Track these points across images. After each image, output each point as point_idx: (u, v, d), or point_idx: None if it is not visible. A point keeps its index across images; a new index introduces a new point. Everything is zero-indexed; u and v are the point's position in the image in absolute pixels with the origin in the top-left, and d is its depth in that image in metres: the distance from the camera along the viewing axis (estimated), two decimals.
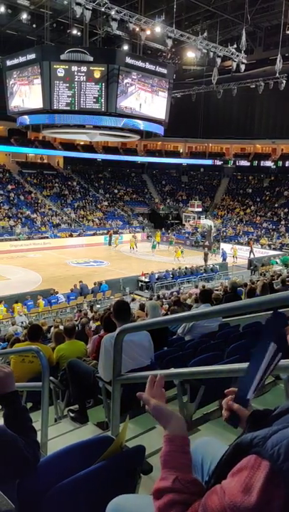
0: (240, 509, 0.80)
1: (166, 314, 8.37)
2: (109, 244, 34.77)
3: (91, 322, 11.57)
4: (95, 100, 22.42)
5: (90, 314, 14.34)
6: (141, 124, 24.85)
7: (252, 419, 1.04)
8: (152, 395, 1.26)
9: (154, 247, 31.99)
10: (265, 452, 0.81)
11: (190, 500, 0.95)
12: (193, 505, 0.94)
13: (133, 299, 17.68)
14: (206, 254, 29.02)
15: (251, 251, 31.46)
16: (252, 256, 30.42)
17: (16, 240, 33.09)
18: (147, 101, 24.20)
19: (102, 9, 19.94)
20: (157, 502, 0.99)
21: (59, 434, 3.43)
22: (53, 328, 11.02)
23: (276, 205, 42.01)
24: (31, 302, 18.19)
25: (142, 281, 22.68)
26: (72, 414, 4.10)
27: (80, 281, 20.21)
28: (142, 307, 12.10)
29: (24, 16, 29.57)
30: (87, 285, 20.20)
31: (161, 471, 1.04)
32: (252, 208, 43.40)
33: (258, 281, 13.54)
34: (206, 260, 28.36)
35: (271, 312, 1.08)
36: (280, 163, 44.89)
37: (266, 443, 0.82)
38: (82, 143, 46.60)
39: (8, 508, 1.68)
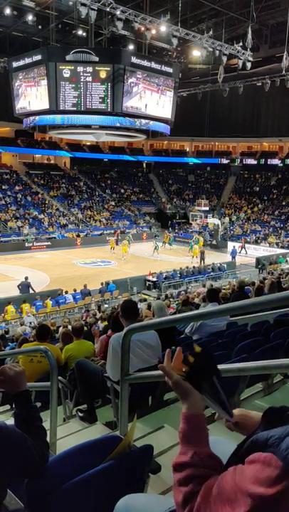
0: (252, 496, 0.84)
1: (174, 314, 8.36)
2: (117, 244, 34.71)
3: (99, 322, 11.58)
4: (101, 100, 22.43)
5: (98, 314, 14.35)
6: (148, 124, 24.85)
7: (268, 416, 1.06)
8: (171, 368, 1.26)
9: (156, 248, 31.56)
10: (279, 453, 0.84)
11: (207, 474, 1.01)
12: (209, 480, 0.98)
13: (145, 300, 17.64)
14: (202, 253, 28.78)
15: (243, 248, 32.44)
16: (243, 252, 32.11)
17: (23, 240, 33.27)
18: (153, 100, 24.16)
19: (107, 9, 19.94)
20: (177, 475, 1.05)
21: (68, 434, 3.44)
22: (61, 328, 11.05)
23: (284, 203, 41.80)
24: (40, 303, 18.26)
25: (149, 280, 22.68)
26: (80, 414, 4.11)
27: (85, 285, 20.18)
28: (150, 307, 12.09)
29: (30, 17, 29.67)
30: (89, 291, 20.13)
31: (180, 446, 1.10)
32: (259, 206, 43.23)
33: (265, 279, 13.48)
34: (202, 259, 28.12)
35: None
36: (287, 161, 44.64)
37: (281, 444, 0.85)
38: (88, 143, 46.71)
39: (17, 507, 1.69)
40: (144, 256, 31.22)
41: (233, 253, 29.54)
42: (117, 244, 34.42)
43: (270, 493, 0.81)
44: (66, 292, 19.52)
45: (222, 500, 0.90)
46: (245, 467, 0.89)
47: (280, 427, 0.91)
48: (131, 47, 31.95)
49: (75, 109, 22.54)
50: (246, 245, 33.68)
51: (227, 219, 41.95)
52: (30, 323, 15.60)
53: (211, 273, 24.93)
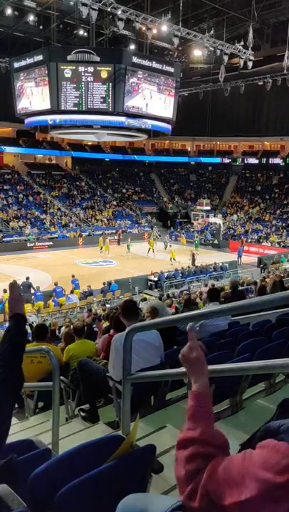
0: (260, 481, 0.85)
1: (175, 313, 8.36)
2: (118, 244, 34.70)
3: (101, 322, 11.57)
4: (102, 100, 22.46)
5: (101, 314, 14.36)
6: (150, 123, 24.87)
7: (282, 407, 1.09)
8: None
9: (128, 247, 31.38)
10: (288, 438, 0.88)
11: (213, 452, 1.02)
12: (215, 459, 0.98)
13: (145, 299, 17.63)
14: (193, 255, 27.76)
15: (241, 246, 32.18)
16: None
17: (25, 240, 33.28)
18: (154, 100, 24.17)
19: (108, 9, 19.96)
20: (182, 452, 1.05)
21: (70, 434, 3.44)
22: (63, 328, 11.06)
23: (285, 202, 41.75)
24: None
25: (151, 280, 22.68)
26: (83, 414, 4.11)
27: (88, 286, 20.16)
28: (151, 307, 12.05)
29: (31, 17, 29.74)
30: (91, 291, 20.07)
31: (187, 422, 1.11)
32: (261, 205, 43.18)
33: (266, 278, 13.47)
34: (193, 260, 27.17)
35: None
36: None
37: None
38: (90, 143, 46.73)
39: (20, 507, 1.69)
40: (144, 256, 31.23)
41: (240, 252, 29.54)
42: (118, 244, 34.42)
43: (279, 480, 0.82)
44: (71, 292, 19.54)
45: (229, 483, 0.90)
46: (255, 452, 0.90)
47: None
48: (132, 47, 31.95)
49: (76, 109, 22.57)
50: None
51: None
52: (33, 322, 15.59)
53: (213, 272, 24.91)
